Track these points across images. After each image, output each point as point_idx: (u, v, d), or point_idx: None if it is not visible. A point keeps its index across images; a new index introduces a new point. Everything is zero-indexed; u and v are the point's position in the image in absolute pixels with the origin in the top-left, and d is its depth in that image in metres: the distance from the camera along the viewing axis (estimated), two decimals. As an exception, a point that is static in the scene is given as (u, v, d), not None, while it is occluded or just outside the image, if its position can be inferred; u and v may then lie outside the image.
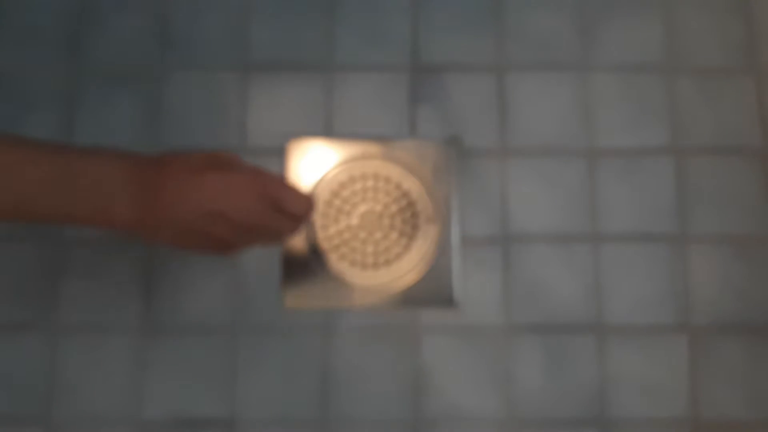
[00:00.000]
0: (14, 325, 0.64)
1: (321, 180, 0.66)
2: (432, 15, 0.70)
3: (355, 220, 0.65)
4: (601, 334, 0.64)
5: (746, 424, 0.62)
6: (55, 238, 0.65)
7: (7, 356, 0.63)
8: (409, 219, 0.65)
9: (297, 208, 0.50)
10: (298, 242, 0.65)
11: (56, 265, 0.65)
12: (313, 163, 0.66)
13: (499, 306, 0.64)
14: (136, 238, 0.65)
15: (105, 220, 0.46)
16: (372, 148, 0.67)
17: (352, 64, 0.69)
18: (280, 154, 0.67)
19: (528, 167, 0.67)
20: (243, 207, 0.48)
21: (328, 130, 0.68)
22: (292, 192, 0.50)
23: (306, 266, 0.64)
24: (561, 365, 0.63)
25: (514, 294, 0.64)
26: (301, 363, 0.63)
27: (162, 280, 0.64)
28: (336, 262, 0.64)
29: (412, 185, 0.66)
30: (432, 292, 0.64)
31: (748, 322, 0.64)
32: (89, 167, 0.46)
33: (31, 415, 0.62)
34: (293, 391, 0.63)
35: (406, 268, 0.64)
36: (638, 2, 0.70)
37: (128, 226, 0.47)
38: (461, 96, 0.68)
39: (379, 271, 0.64)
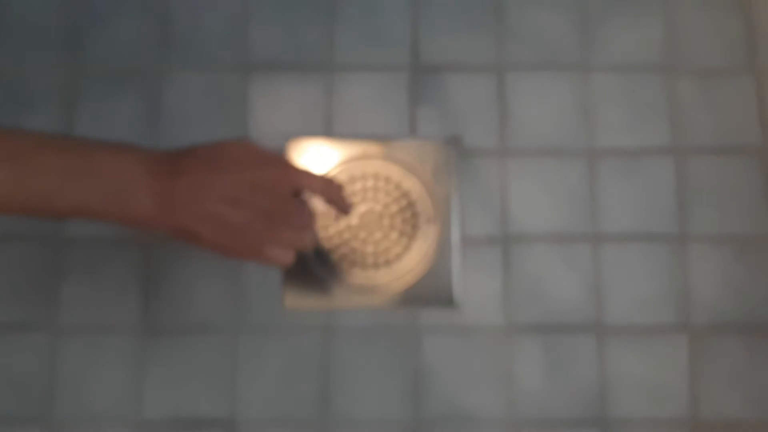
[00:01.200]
0: (14, 325, 0.64)
1: (321, 180, 0.66)
2: (432, 15, 0.70)
3: (355, 220, 0.65)
4: (601, 334, 0.64)
5: (746, 424, 0.62)
6: (55, 238, 0.65)
7: (7, 356, 0.63)
8: (409, 219, 0.65)
9: (320, 189, 0.51)
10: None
11: (56, 265, 0.65)
12: (313, 163, 0.66)
13: (499, 306, 0.64)
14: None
15: (123, 215, 0.46)
16: (372, 148, 0.67)
17: (352, 64, 0.69)
18: (280, 154, 0.67)
19: (528, 167, 0.67)
20: (263, 191, 0.48)
21: (328, 130, 0.68)
22: (312, 176, 0.50)
23: (306, 266, 0.64)
24: (561, 365, 0.63)
25: (514, 294, 0.64)
26: (301, 363, 0.63)
27: (162, 280, 0.65)
28: (336, 262, 0.64)
29: (412, 185, 0.66)
30: (432, 292, 0.64)
31: (748, 322, 0.64)
32: (107, 161, 0.46)
33: (31, 415, 0.62)
34: (293, 391, 0.63)
35: (406, 268, 0.64)
36: (638, 2, 0.70)
37: (146, 220, 0.47)
38: (461, 96, 0.68)
39: (379, 271, 0.64)
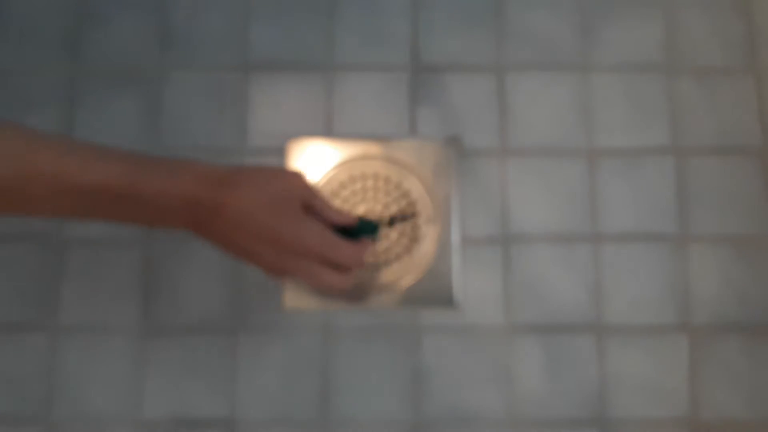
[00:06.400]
0: (14, 325, 0.64)
1: (321, 180, 0.66)
2: (432, 15, 0.70)
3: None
4: (601, 334, 0.64)
5: (746, 424, 0.62)
6: (55, 238, 0.65)
7: (7, 356, 0.63)
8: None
9: (348, 264, 0.51)
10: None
11: (56, 265, 0.65)
12: (313, 163, 0.66)
13: (499, 306, 0.64)
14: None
15: (162, 226, 0.49)
16: (372, 148, 0.67)
17: (352, 64, 0.69)
18: (280, 154, 0.67)
19: (528, 167, 0.67)
20: (303, 249, 0.49)
21: (328, 130, 0.68)
22: (347, 252, 0.51)
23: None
24: (561, 365, 0.63)
25: (514, 294, 0.64)
26: (301, 363, 0.63)
27: (162, 280, 0.65)
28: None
29: (412, 185, 0.66)
30: (432, 292, 0.64)
31: (748, 322, 0.64)
32: (149, 184, 0.46)
33: (31, 415, 0.62)
34: (293, 391, 0.63)
35: (406, 268, 0.64)
36: (638, 2, 0.70)
37: (184, 230, 0.51)
38: (461, 96, 0.68)
39: (379, 271, 0.64)
